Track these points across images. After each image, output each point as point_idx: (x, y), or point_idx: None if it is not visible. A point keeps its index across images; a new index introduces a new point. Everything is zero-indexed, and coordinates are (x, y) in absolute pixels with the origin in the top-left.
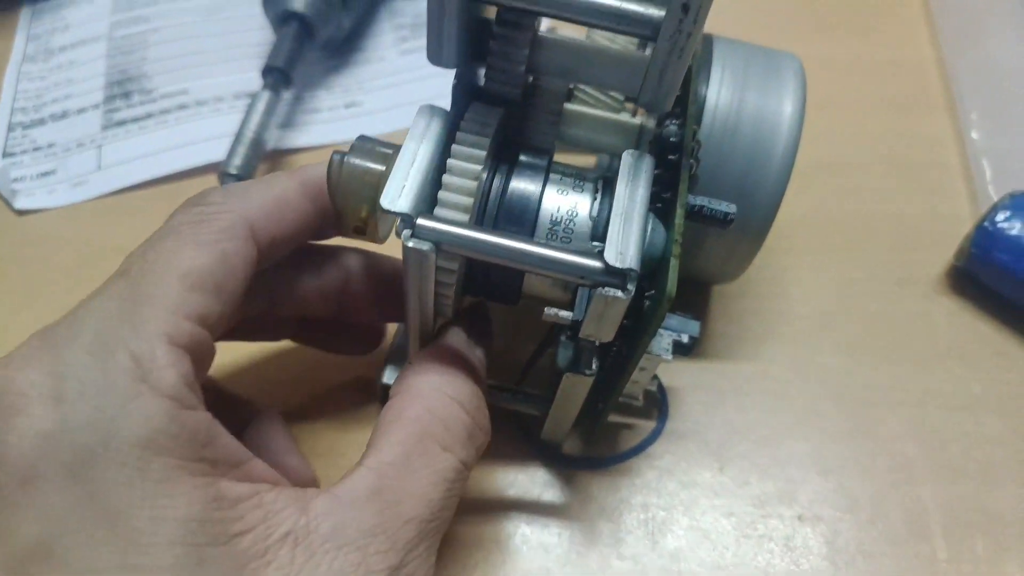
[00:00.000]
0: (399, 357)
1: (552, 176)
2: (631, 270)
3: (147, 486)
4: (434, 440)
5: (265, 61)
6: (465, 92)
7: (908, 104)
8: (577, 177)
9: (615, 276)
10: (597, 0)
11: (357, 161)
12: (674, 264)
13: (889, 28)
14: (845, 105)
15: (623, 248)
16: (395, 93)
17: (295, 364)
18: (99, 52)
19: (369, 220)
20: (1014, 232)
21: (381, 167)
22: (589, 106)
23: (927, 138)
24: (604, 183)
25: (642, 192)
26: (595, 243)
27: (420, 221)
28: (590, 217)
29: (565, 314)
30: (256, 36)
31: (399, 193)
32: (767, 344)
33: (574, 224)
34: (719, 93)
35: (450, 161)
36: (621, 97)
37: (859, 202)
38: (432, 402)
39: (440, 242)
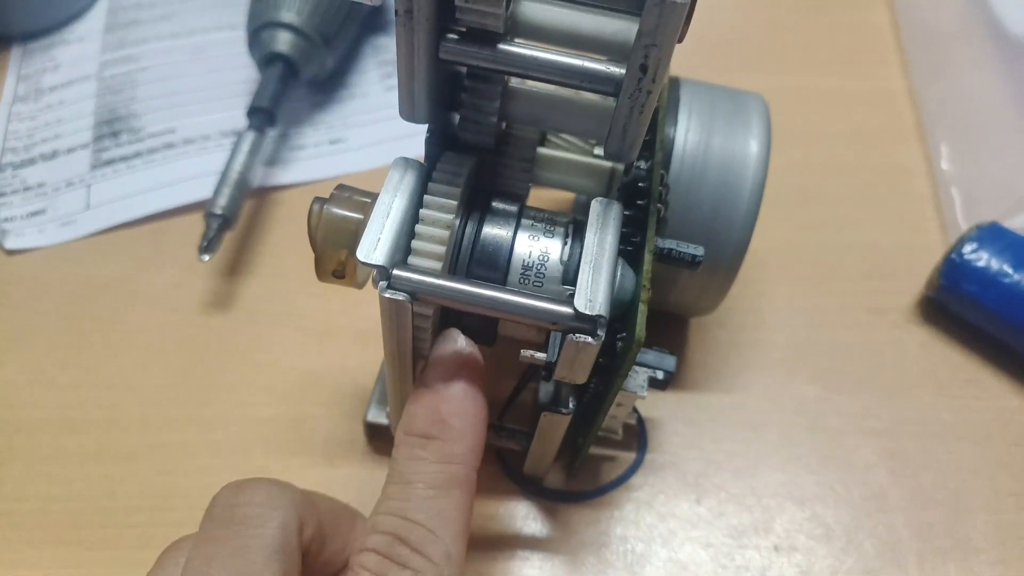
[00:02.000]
0: (383, 395)
1: (523, 222)
2: (600, 316)
3: None
4: None
5: (250, 101)
6: (440, 140)
7: (879, 135)
8: (548, 222)
9: (585, 322)
10: (561, 60)
11: (336, 210)
12: (642, 309)
13: (860, 59)
14: (816, 136)
15: (592, 295)
16: (380, 129)
17: (278, 401)
18: (89, 92)
19: (347, 266)
20: (981, 263)
21: (359, 215)
22: (562, 150)
23: (898, 168)
24: (575, 227)
25: (611, 240)
26: (566, 287)
27: (396, 272)
28: (561, 261)
29: (540, 356)
30: (242, 75)
31: (374, 246)
32: (743, 375)
33: (545, 269)
34: (687, 136)
35: (422, 211)
36: (593, 141)
37: (831, 232)
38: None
39: (415, 292)
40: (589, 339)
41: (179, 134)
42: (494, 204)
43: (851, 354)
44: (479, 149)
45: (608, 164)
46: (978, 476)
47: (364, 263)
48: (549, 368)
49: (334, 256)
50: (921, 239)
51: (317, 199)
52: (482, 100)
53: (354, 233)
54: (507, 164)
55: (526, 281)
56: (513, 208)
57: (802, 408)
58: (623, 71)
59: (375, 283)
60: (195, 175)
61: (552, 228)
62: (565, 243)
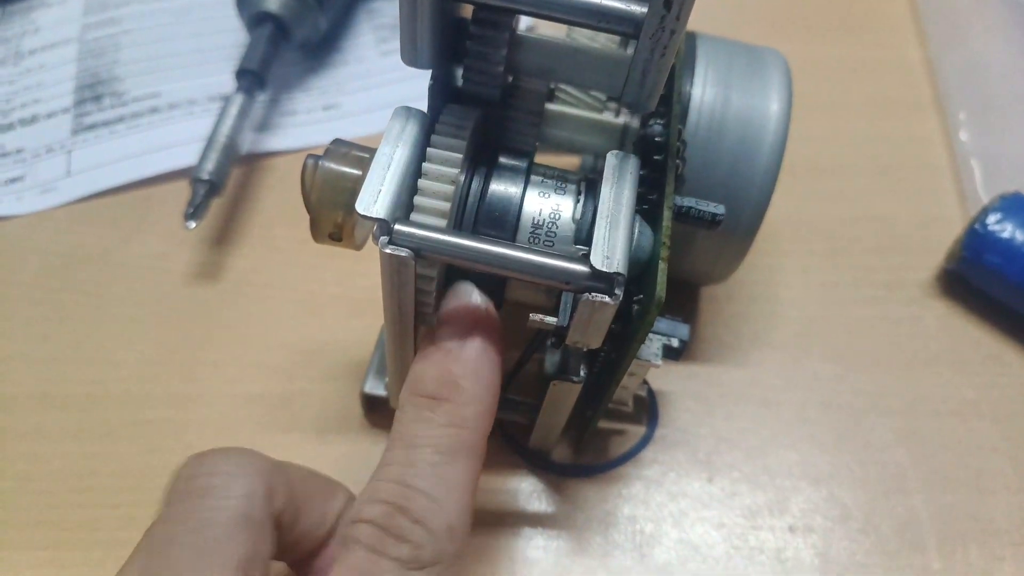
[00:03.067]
0: (382, 365)
1: (533, 178)
2: (618, 274)
3: None
4: None
5: (239, 63)
6: (442, 93)
7: (895, 105)
8: (559, 179)
9: (601, 280)
10: None
11: (332, 165)
12: (662, 267)
13: (876, 28)
14: (831, 106)
15: (609, 252)
16: (375, 95)
17: (268, 377)
18: (70, 55)
19: (345, 226)
20: (1005, 234)
21: (357, 171)
22: (571, 106)
23: (915, 139)
24: (587, 184)
25: (628, 194)
26: (579, 246)
27: (398, 227)
28: (573, 220)
29: (550, 320)
30: (230, 38)
31: (375, 198)
32: (756, 349)
33: (557, 227)
34: (704, 91)
35: (425, 165)
36: (604, 96)
37: (847, 205)
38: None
39: (419, 248)
40: (606, 298)
41: (164, 98)
42: (501, 159)
43: (867, 330)
44: (484, 102)
45: (620, 121)
46: (999, 455)
47: (364, 216)
48: (560, 333)
49: (330, 216)
50: (939, 211)
51: (311, 156)
52: (488, 48)
53: (351, 191)
54: (514, 118)
55: (536, 240)
56: (522, 164)
57: (817, 385)
58: (644, 9)
59: (375, 239)
60: (181, 140)
61: (563, 185)
62: (577, 200)
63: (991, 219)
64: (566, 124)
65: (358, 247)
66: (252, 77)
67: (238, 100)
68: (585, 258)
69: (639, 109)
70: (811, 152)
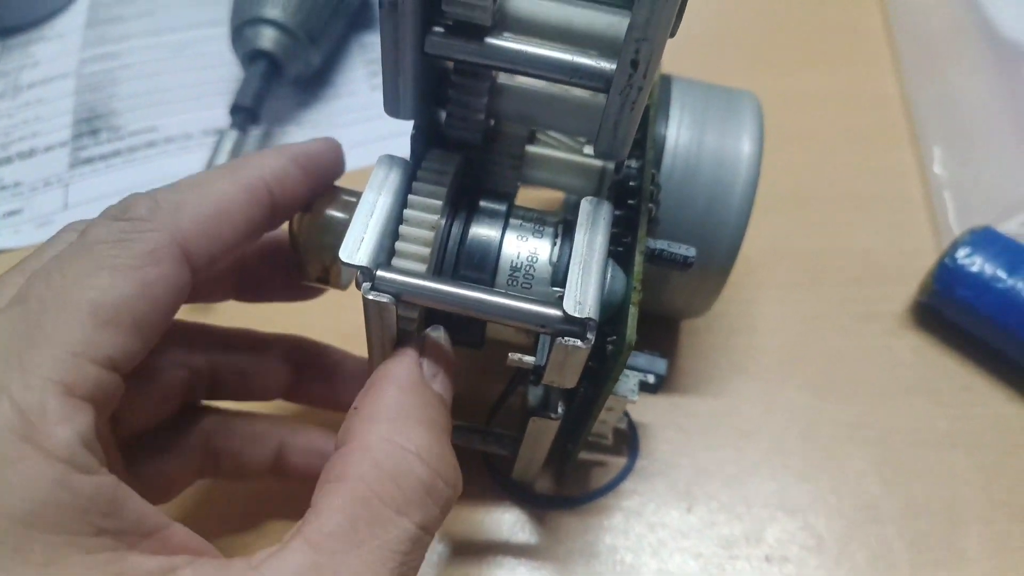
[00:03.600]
0: None
1: (512, 221)
2: (589, 319)
3: (28, 572)
4: (383, 502)
5: (233, 99)
6: (425, 137)
7: (871, 138)
8: (537, 222)
9: (574, 325)
10: (550, 55)
11: (323, 212)
12: (633, 312)
13: (852, 61)
14: (808, 139)
15: (582, 297)
16: (366, 128)
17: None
18: (68, 89)
19: (332, 269)
20: (975, 268)
21: (345, 216)
22: (551, 148)
23: (890, 172)
24: (564, 227)
25: (600, 240)
26: (555, 288)
27: (379, 273)
28: (550, 262)
29: (528, 359)
30: (225, 72)
31: (358, 246)
32: (734, 380)
33: (534, 270)
34: (678, 134)
35: (406, 212)
36: (583, 139)
37: (823, 236)
38: (380, 455)
39: (400, 293)
40: (578, 342)
41: (160, 132)
42: (482, 203)
43: (843, 360)
44: (466, 146)
45: (598, 163)
46: (972, 486)
47: (347, 264)
48: (538, 372)
49: (318, 260)
50: (914, 244)
51: (297, 212)
52: (469, 96)
53: (338, 235)
54: (495, 162)
55: (514, 283)
56: (501, 207)
57: (794, 415)
58: (613, 66)
59: (358, 284)
60: (176, 174)
61: (541, 228)
62: (554, 243)
63: (960, 253)
64: (547, 165)
65: (343, 287)
66: (246, 113)
67: (232, 136)
68: (559, 301)
69: (612, 158)
70: (789, 184)
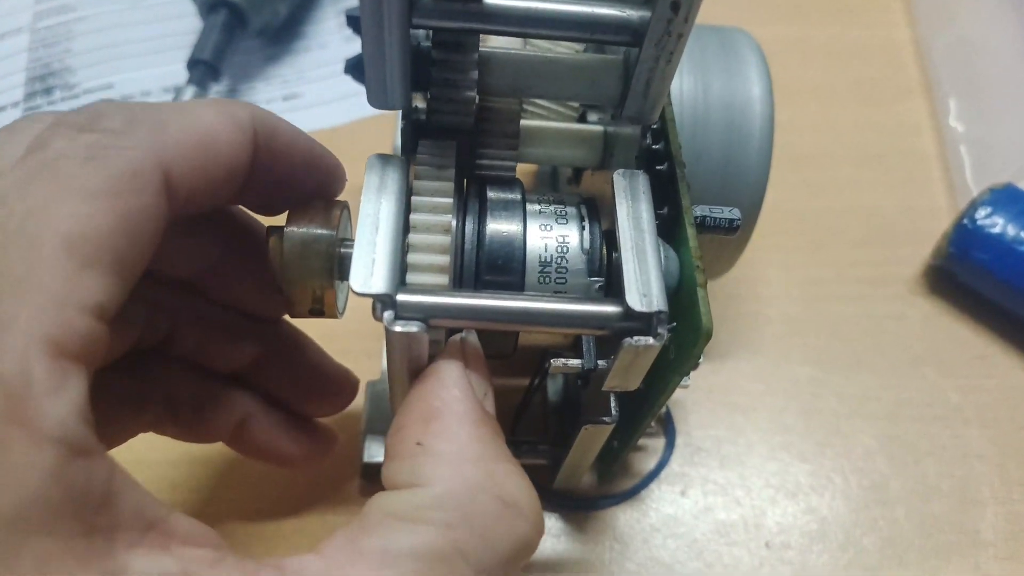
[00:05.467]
0: (379, 426)
1: (530, 209)
2: (660, 312)
3: None
4: (467, 561)
5: (190, 53)
6: (412, 129)
7: (882, 89)
8: (558, 204)
9: (639, 321)
10: (566, 10)
11: (300, 231)
12: (703, 295)
13: (861, 8)
14: (814, 91)
15: (644, 288)
16: (339, 83)
17: None
18: (21, 45)
19: (326, 297)
20: (995, 230)
21: (328, 232)
22: (542, 119)
23: (902, 126)
24: (587, 207)
25: (646, 216)
26: (593, 279)
27: (401, 298)
28: (583, 250)
29: (575, 363)
30: (187, 24)
31: (370, 270)
32: (733, 352)
33: (567, 261)
34: (681, 81)
35: (413, 217)
36: (576, 104)
37: (829, 196)
38: (470, 506)
39: (428, 317)
40: (651, 340)
41: (117, 90)
42: (491, 194)
43: (850, 329)
44: (457, 132)
45: (599, 128)
46: (986, 463)
47: (362, 295)
48: (586, 376)
49: (309, 290)
50: (927, 203)
51: (272, 228)
52: (456, 73)
53: (326, 255)
54: (489, 144)
55: (546, 280)
56: (515, 195)
57: (796, 390)
58: (642, 14)
59: (377, 315)
60: None
61: (563, 211)
62: (582, 228)
63: (980, 213)
64: (545, 139)
65: (339, 315)
66: (205, 68)
67: (189, 93)
68: (607, 296)
69: (643, 121)
70: (793, 140)
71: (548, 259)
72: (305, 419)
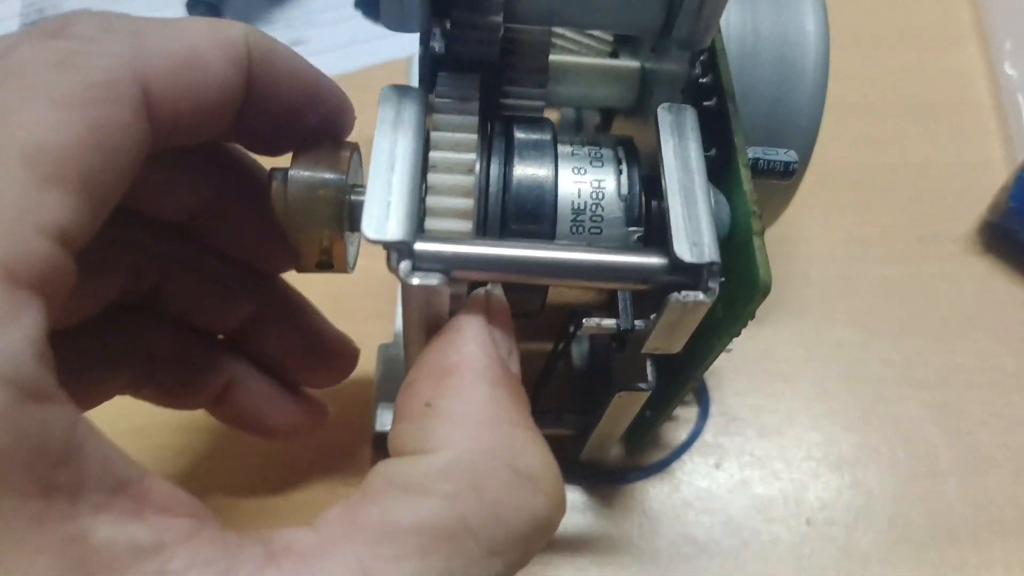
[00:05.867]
0: (392, 393)
1: (562, 150)
2: (713, 263)
3: None
4: (477, 541)
5: None
6: (431, 59)
7: (931, 34)
8: (592, 146)
9: (688, 274)
10: None
11: (304, 173)
12: (759, 245)
13: None
14: (859, 37)
15: (695, 236)
16: (348, 28)
17: None
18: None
19: (334, 248)
20: None
21: (336, 175)
22: (572, 53)
23: (954, 74)
24: (625, 149)
25: (695, 157)
26: (632, 228)
27: (419, 246)
28: (620, 196)
29: (609, 322)
30: None
31: (385, 214)
32: (772, 316)
33: (602, 209)
34: (728, 13)
35: (433, 155)
36: (609, 37)
37: (876, 149)
38: (483, 478)
39: (450, 268)
40: (700, 296)
41: None
42: (519, 134)
43: (897, 291)
44: (480, 64)
45: (636, 64)
46: None
47: (375, 241)
48: (620, 337)
49: (316, 240)
50: (981, 156)
51: (275, 171)
52: None
53: (335, 201)
54: (516, 79)
55: (579, 229)
56: (545, 136)
57: (839, 355)
58: None
59: (392, 267)
60: None
61: (599, 154)
62: (619, 171)
63: None
64: (576, 77)
65: (350, 270)
66: (205, 8)
67: None
68: (658, 248)
69: (694, 45)
70: (836, 90)
71: (582, 206)
72: (295, 389)
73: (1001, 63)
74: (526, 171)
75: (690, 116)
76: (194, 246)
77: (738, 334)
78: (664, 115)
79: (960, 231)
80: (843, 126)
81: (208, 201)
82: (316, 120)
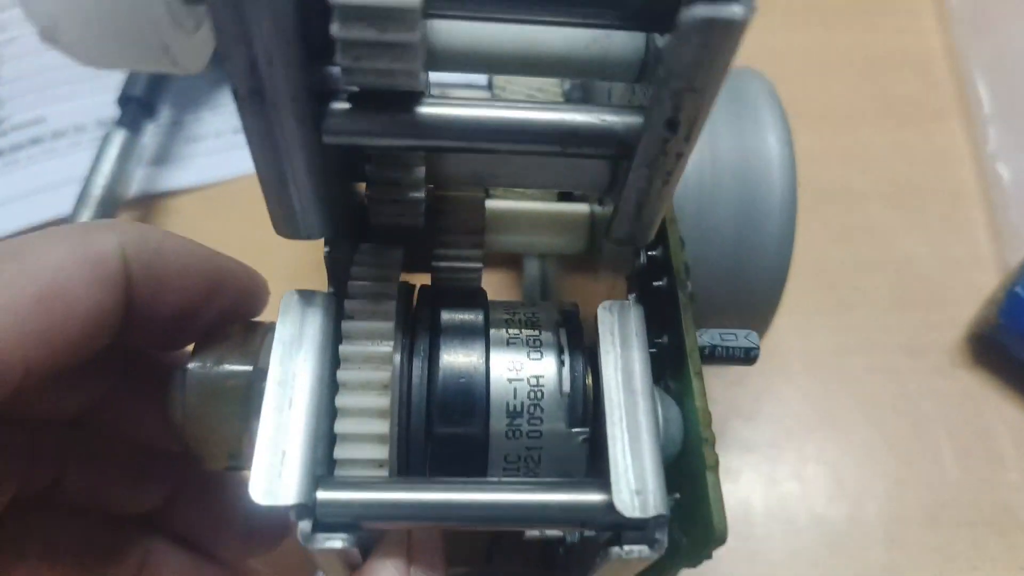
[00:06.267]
0: None
1: (495, 336)
2: (659, 516)
3: None
4: None
5: (120, 88)
6: (345, 241)
7: (912, 109)
8: (529, 328)
9: (635, 527)
10: (526, 118)
11: (207, 369)
12: (712, 482)
13: (887, 12)
14: (833, 111)
15: (639, 481)
16: None
17: None
18: None
19: (245, 449)
20: None
21: (243, 366)
22: (513, 199)
23: (936, 153)
24: (568, 331)
25: (640, 371)
26: (576, 431)
27: (323, 496)
28: (560, 394)
29: (553, 532)
30: None
31: (278, 468)
32: (738, 451)
33: (541, 411)
34: None
35: (342, 374)
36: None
37: (855, 241)
38: None
39: (360, 520)
40: (645, 550)
41: (49, 124)
42: (445, 315)
43: (882, 412)
44: (404, 233)
45: (584, 209)
46: None
47: (267, 508)
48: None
49: (221, 445)
50: (968, 250)
51: (173, 372)
52: (399, 170)
53: (243, 397)
54: (448, 242)
55: (516, 434)
56: (476, 316)
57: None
58: (631, 120)
59: (291, 523)
60: (66, 179)
61: (536, 338)
62: (561, 363)
63: None
64: (517, 224)
65: None
66: (137, 106)
67: (120, 137)
68: (599, 481)
69: (634, 244)
70: (811, 171)
71: (519, 407)
72: (220, 563)
73: (985, 143)
74: (453, 363)
75: (634, 318)
76: (94, 436)
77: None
78: (604, 316)
79: (948, 339)
80: (818, 212)
81: (103, 398)
82: (222, 310)
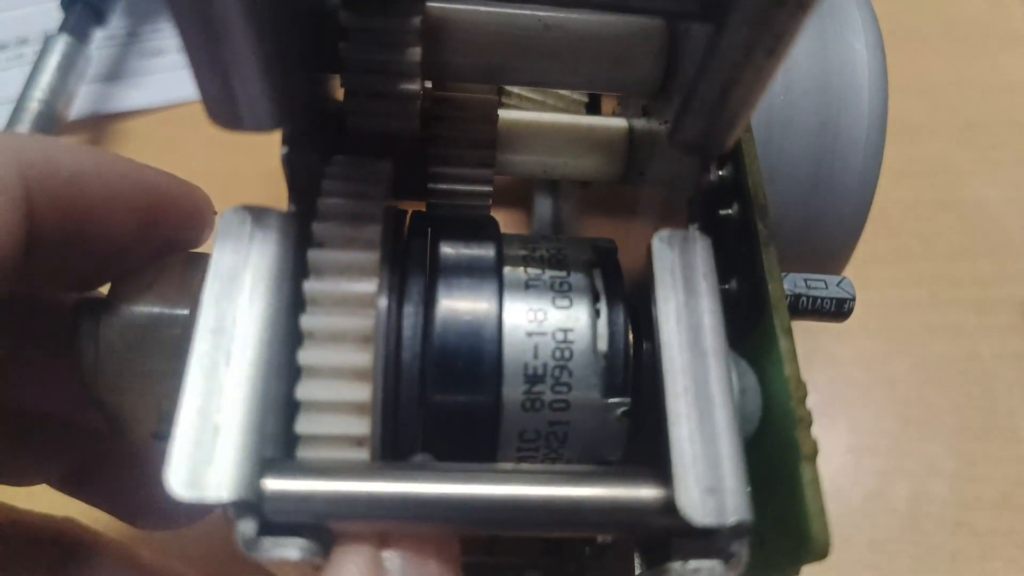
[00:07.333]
0: None
1: (510, 277)
2: (740, 524)
3: None
4: None
5: None
6: (315, 141)
7: (983, 36)
8: (555, 269)
9: (701, 536)
10: None
11: (130, 311)
12: (810, 477)
13: None
14: (892, 35)
15: (712, 477)
16: None
17: None
18: None
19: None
20: None
21: (180, 309)
22: (531, 108)
23: (1007, 84)
24: (605, 272)
25: (710, 328)
26: (613, 400)
27: (272, 486)
28: (595, 354)
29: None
30: None
31: (206, 451)
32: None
33: (569, 375)
34: None
35: (307, 321)
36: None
37: (918, 182)
38: None
39: (325, 519)
40: (716, 568)
41: None
42: (445, 249)
43: (949, 376)
44: (394, 143)
45: (622, 123)
46: None
47: (188, 502)
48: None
49: (150, 409)
50: None
51: (81, 308)
52: (385, 51)
53: (174, 347)
54: (449, 158)
55: (536, 404)
56: (485, 251)
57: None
58: None
59: (230, 523)
60: (5, 95)
61: (564, 281)
62: (595, 313)
63: None
64: (535, 142)
65: None
66: (84, 8)
67: (61, 44)
68: (648, 473)
69: (708, 149)
70: None
71: (540, 370)
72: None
73: None
74: (455, 309)
75: (701, 255)
76: None
77: None
78: (662, 252)
79: (1022, 294)
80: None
81: (3, 355)
82: (157, 240)
